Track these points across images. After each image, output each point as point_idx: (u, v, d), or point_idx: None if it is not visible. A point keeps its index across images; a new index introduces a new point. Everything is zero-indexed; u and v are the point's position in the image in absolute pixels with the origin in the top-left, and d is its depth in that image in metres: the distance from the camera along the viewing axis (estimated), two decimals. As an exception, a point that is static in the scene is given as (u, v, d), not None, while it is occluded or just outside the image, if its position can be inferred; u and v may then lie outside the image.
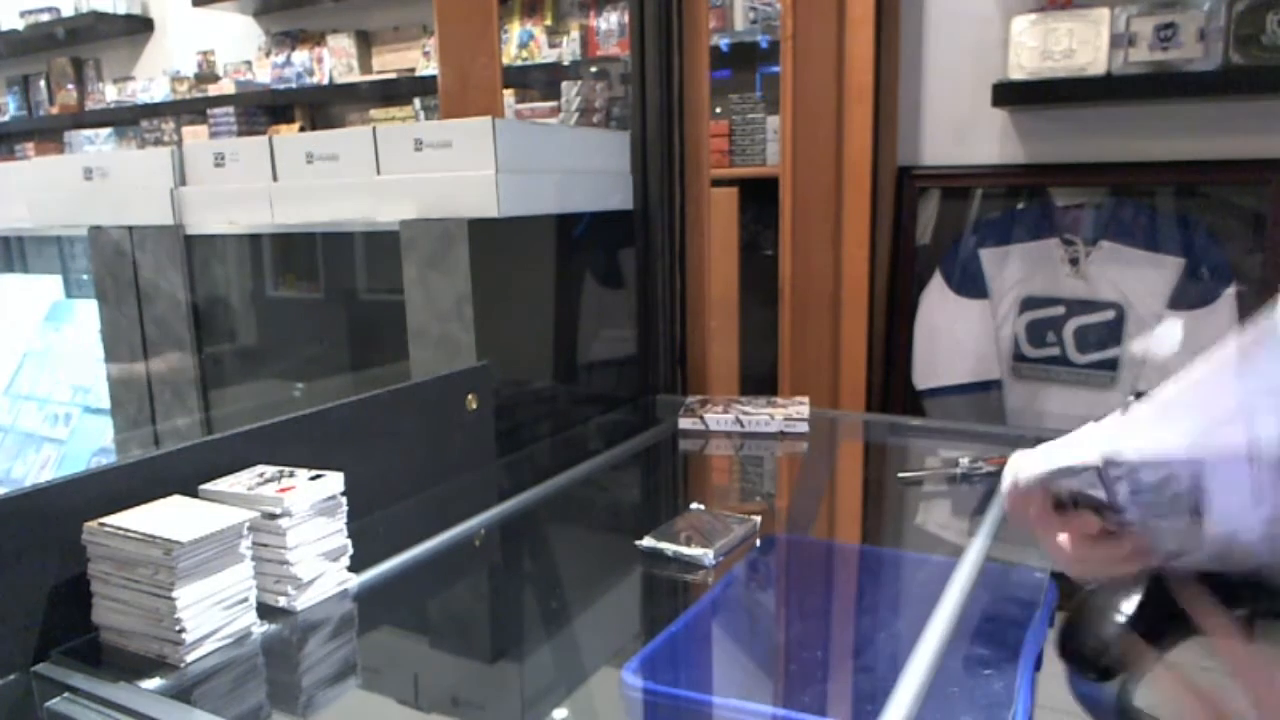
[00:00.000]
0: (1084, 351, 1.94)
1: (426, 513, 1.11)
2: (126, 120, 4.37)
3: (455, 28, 1.70)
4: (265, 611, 0.82)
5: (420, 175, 1.31)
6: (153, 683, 0.73)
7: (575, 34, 3.30)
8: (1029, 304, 1.99)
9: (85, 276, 1.80)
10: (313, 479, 0.87)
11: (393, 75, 3.71)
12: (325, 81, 3.83)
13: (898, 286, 2.14)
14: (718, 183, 1.89)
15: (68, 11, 4.31)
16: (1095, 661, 0.90)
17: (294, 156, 1.43)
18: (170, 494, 0.83)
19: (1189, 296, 1.85)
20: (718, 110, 2.84)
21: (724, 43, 2.89)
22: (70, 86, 4.59)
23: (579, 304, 1.51)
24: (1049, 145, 2.01)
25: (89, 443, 1.77)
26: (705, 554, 0.98)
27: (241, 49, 4.11)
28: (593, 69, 3.27)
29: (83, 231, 1.65)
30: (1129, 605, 0.67)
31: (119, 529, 0.75)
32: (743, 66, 2.94)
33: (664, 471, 1.44)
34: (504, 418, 1.29)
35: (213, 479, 0.86)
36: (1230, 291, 1.82)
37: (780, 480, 1.41)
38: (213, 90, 4.10)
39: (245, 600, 0.80)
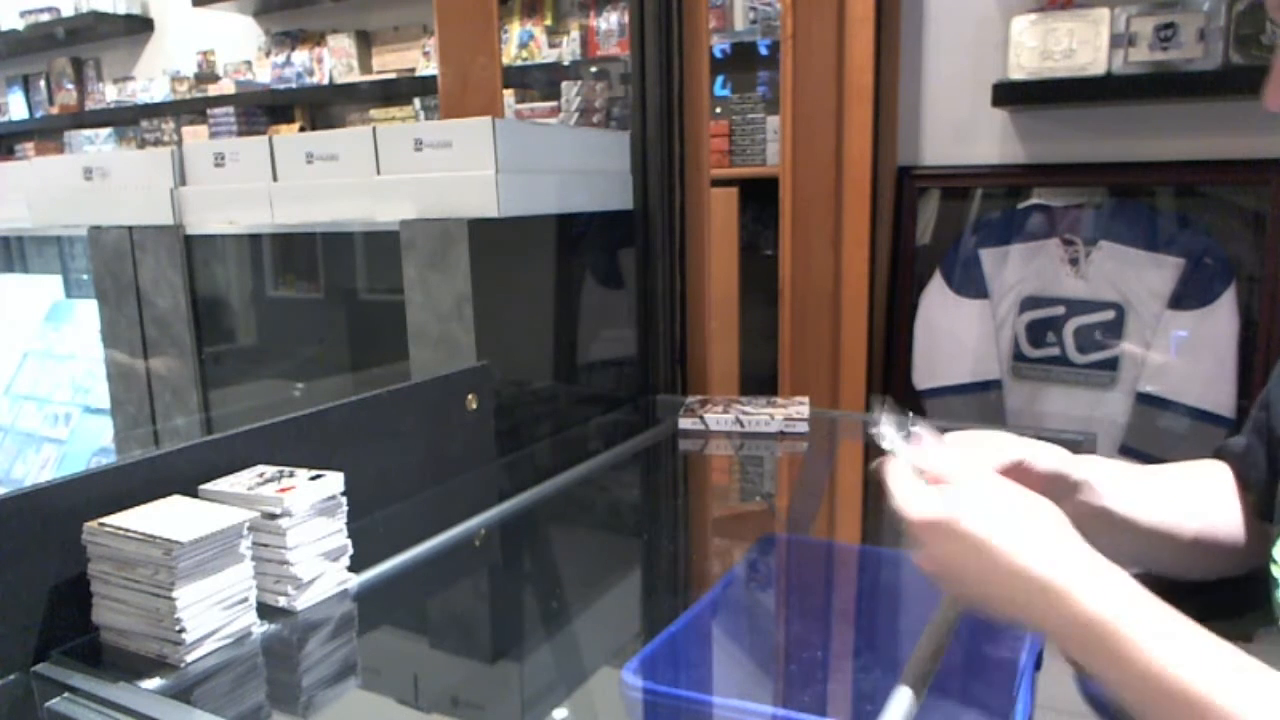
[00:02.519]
0: (1084, 351, 1.94)
1: (426, 513, 1.11)
2: (126, 120, 4.37)
3: (455, 28, 1.70)
4: (265, 611, 0.82)
5: (420, 175, 1.31)
6: (153, 683, 0.73)
7: (575, 34, 3.30)
8: (1029, 304, 1.99)
9: (85, 276, 1.80)
10: (313, 479, 0.87)
11: (393, 75, 3.71)
12: (325, 81, 3.83)
13: (898, 286, 2.14)
14: (718, 183, 1.89)
15: (68, 11, 4.31)
16: None
17: (294, 156, 1.43)
18: (170, 494, 0.83)
19: (1189, 296, 1.85)
20: (718, 110, 2.84)
21: (720, 48, 2.89)
22: (70, 86, 4.59)
23: (579, 304, 1.51)
24: (1049, 145, 2.01)
25: (89, 443, 1.77)
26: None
27: (241, 49, 4.11)
28: (593, 69, 3.27)
29: (83, 231, 1.65)
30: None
31: (119, 529, 0.75)
32: (743, 67, 2.94)
33: (664, 471, 1.44)
34: (504, 418, 1.29)
35: (213, 479, 0.86)
36: (1230, 291, 1.82)
37: (780, 480, 1.41)
38: (213, 90, 4.10)
39: (245, 600, 0.80)
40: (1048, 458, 0.76)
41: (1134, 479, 0.82)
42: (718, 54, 2.91)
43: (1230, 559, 0.84)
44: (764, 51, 2.89)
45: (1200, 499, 0.85)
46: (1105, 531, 0.67)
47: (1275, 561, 0.73)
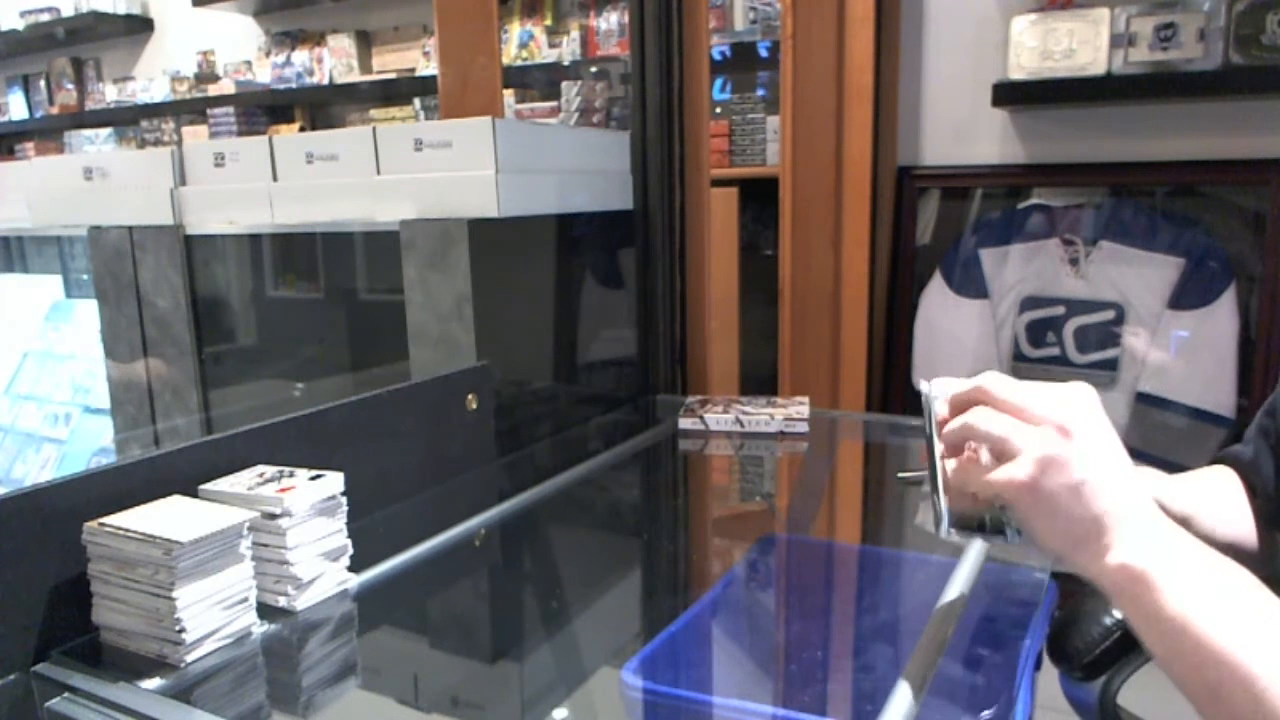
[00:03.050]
0: (1084, 351, 1.94)
1: (426, 513, 1.11)
2: (126, 120, 4.37)
3: (455, 28, 1.70)
4: (265, 611, 0.82)
5: (420, 175, 1.31)
6: (153, 683, 0.73)
7: (575, 34, 3.30)
8: (1029, 304, 1.99)
9: (85, 276, 1.80)
10: (313, 479, 0.87)
11: (393, 75, 3.71)
12: (325, 81, 3.83)
13: (898, 286, 2.14)
14: (718, 183, 1.89)
15: (68, 11, 4.31)
16: (1079, 660, 0.91)
17: (294, 156, 1.43)
18: (170, 494, 0.83)
19: (1189, 296, 1.85)
20: (718, 110, 2.84)
21: (719, 50, 2.89)
22: (70, 86, 4.59)
23: (579, 304, 1.51)
24: (1049, 145, 2.01)
25: (89, 443, 1.77)
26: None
27: (241, 49, 4.10)
28: (593, 69, 3.27)
29: (83, 231, 1.65)
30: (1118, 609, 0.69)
31: (119, 529, 0.75)
32: (743, 68, 2.94)
33: (664, 471, 1.44)
34: (504, 418, 1.29)
35: (213, 479, 0.86)
36: (1230, 291, 1.82)
37: (780, 480, 1.41)
38: (213, 90, 4.10)
39: (245, 600, 0.80)
40: None
41: (1183, 489, 0.82)
42: (716, 57, 2.91)
43: (1249, 567, 0.84)
44: (764, 54, 2.89)
45: (1227, 507, 0.85)
46: None
47: None
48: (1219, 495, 0.86)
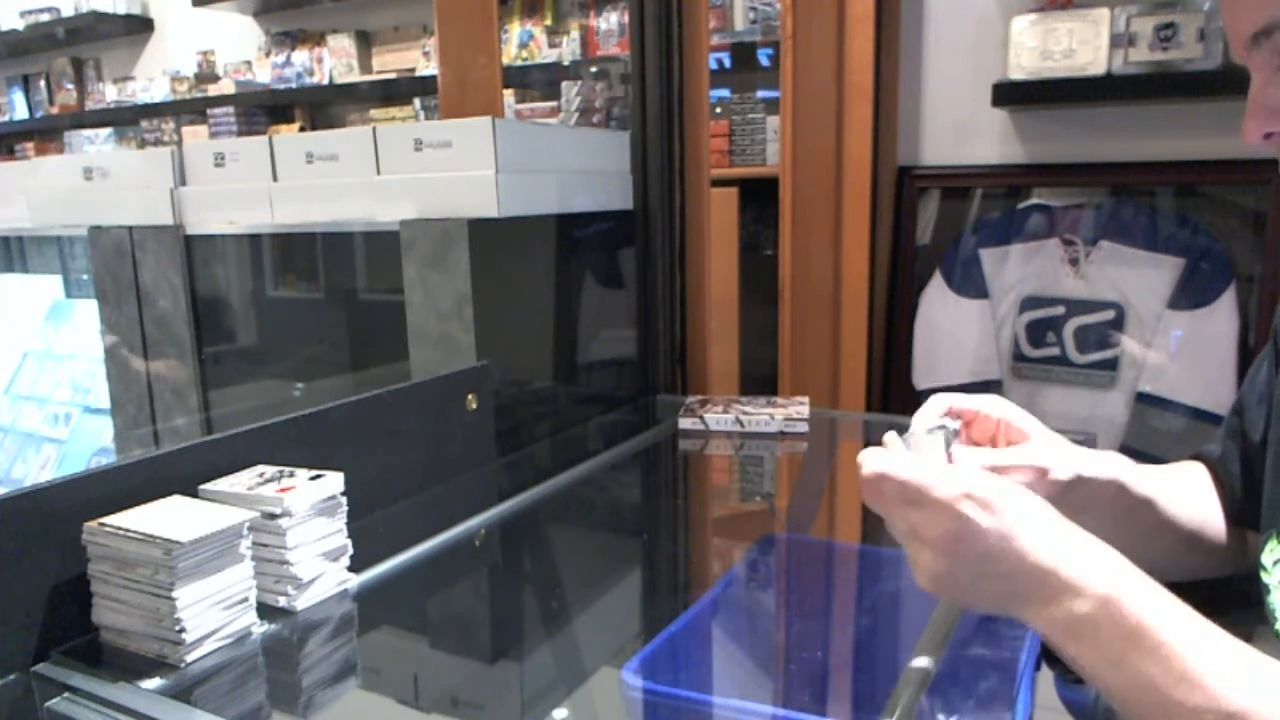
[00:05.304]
0: (1084, 351, 1.94)
1: (426, 513, 1.11)
2: (126, 120, 4.37)
3: (455, 28, 1.70)
4: (265, 611, 0.82)
5: (420, 175, 1.31)
6: (153, 683, 0.73)
7: (575, 34, 3.30)
8: (1029, 304, 1.99)
9: (85, 276, 1.80)
10: (313, 479, 0.87)
11: (393, 75, 3.71)
12: (325, 81, 3.83)
13: (898, 286, 2.14)
14: (718, 183, 1.89)
15: (68, 11, 4.31)
16: None
17: (294, 156, 1.43)
18: (170, 494, 0.83)
19: (1189, 296, 1.85)
20: (718, 110, 2.84)
21: (716, 57, 2.88)
22: (70, 86, 4.59)
23: (579, 304, 1.51)
24: (1049, 145, 2.01)
25: (89, 443, 1.77)
26: None
27: (241, 49, 4.10)
28: (593, 69, 3.27)
29: (83, 231, 1.65)
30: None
31: (119, 529, 0.75)
32: (743, 70, 2.94)
33: (664, 471, 1.44)
34: (504, 418, 1.29)
35: (213, 479, 0.86)
36: (1230, 291, 1.82)
37: (780, 480, 1.41)
38: (213, 90, 4.10)
39: (245, 600, 0.80)
40: (1065, 466, 0.77)
41: (1148, 475, 0.83)
42: (714, 65, 2.90)
43: (1212, 560, 0.85)
44: (765, 62, 2.89)
45: (1191, 497, 0.86)
46: (1124, 529, 0.67)
47: (1265, 569, 0.73)
48: (1185, 486, 0.87)
